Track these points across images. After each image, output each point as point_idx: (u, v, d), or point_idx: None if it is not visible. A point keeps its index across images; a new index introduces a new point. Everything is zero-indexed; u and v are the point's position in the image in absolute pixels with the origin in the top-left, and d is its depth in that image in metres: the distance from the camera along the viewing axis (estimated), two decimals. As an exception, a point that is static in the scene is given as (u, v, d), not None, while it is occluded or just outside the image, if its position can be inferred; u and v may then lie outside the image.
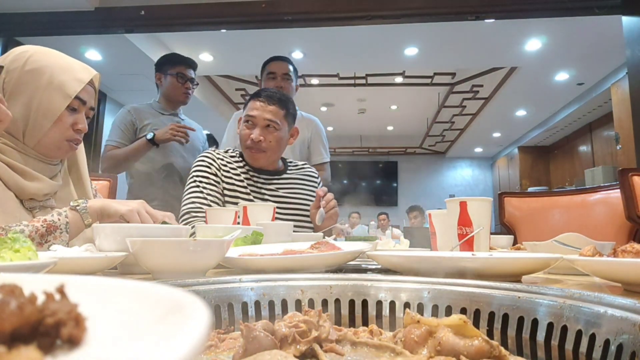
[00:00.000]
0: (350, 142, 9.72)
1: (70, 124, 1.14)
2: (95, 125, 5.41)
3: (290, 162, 1.90)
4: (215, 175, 1.71)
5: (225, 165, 1.74)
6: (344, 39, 4.55)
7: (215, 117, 6.58)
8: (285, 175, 1.82)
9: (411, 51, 4.93)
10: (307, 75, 6.24)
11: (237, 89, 6.75)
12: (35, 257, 0.59)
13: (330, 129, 8.89)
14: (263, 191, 1.74)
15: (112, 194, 1.84)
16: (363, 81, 6.53)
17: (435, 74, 6.18)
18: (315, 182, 1.90)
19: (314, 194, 1.85)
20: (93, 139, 5.34)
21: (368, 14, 3.46)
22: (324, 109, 7.77)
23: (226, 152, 1.80)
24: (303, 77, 6.28)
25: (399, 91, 6.95)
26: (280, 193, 1.76)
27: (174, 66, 2.56)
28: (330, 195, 1.65)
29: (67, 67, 1.13)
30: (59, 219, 1.01)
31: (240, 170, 1.74)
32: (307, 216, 1.79)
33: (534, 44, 4.70)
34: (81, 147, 1.28)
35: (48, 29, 3.68)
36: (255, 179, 1.74)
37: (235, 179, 1.72)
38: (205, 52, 5.05)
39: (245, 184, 1.72)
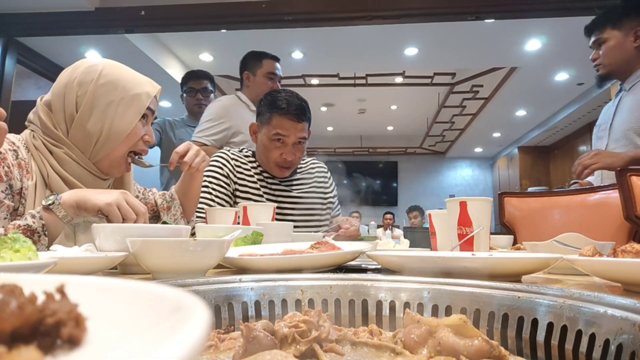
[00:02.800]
0: (350, 142, 9.71)
1: (141, 136, 1.16)
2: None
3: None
4: (227, 176, 1.70)
5: (239, 166, 1.74)
6: (344, 39, 4.54)
7: (215, 117, 6.57)
8: (297, 176, 1.82)
9: (411, 51, 4.93)
10: (307, 75, 6.23)
11: (237, 89, 6.73)
12: (36, 257, 0.59)
13: (330, 129, 8.88)
14: (277, 193, 1.74)
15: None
16: (363, 81, 6.53)
17: (435, 74, 6.18)
18: (326, 178, 1.90)
19: (326, 192, 1.86)
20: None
21: (368, 14, 3.46)
22: (324, 109, 7.77)
23: (241, 151, 1.81)
24: (303, 77, 6.28)
25: (399, 91, 6.95)
26: (293, 194, 1.77)
27: (186, 82, 2.85)
28: (351, 229, 1.64)
29: (137, 82, 1.15)
30: (34, 222, 0.95)
31: (254, 171, 1.75)
32: (322, 213, 1.80)
33: (534, 44, 4.70)
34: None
35: (48, 29, 3.68)
36: (269, 180, 1.75)
37: (248, 180, 1.72)
38: (205, 52, 5.05)
39: (258, 186, 1.72)
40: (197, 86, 2.79)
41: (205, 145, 2.27)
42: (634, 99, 1.96)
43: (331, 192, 1.90)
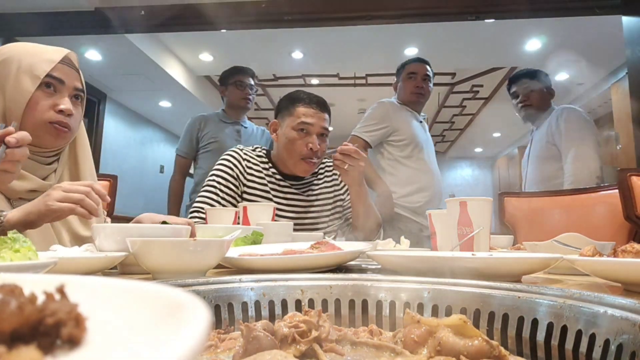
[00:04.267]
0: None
1: (50, 106, 1.08)
2: (95, 125, 5.41)
3: None
4: (237, 177, 1.67)
5: (250, 167, 1.71)
6: (344, 39, 4.54)
7: (215, 117, 6.57)
8: (307, 178, 1.79)
9: (411, 51, 4.93)
10: (307, 75, 6.23)
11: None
12: (35, 257, 0.59)
13: (330, 129, 8.88)
14: (288, 196, 1.71)
15: (112, 194, 1.83)
16: (363, 81, 6.52)
17: (435, 74, 6.17)
18: (336, 175, 1.88)
19: (336, 190, 1.85)
20: (93, 139, 5.32)
21: (368, 14, 3.46)
22: (324, 109, 7.76)
23: (254, 150, 1.78)
24: (303, 77, 6.28)
25: (399, 91, 6.93)
26: (303, 197, 1.74)
27: (233, 76, 2.82)
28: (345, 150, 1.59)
29: (36, 52, 1.10)
30: None
31: (265, 172, 1.71)
32: (334, 212, 1.79)
33: (534, 44, 4.70)
34: (83, 145, 1.24)
35: (48, 29, 3.67)
36: (282, 183, 1.72)
37: (258, 182, 1.69)
38: (205, 52, 5.04)
39: (268, 188, 1.69)
40: (246, 80, 2.80)
41: (363, 139, 2.44)
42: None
43: (341, 188, 1.87)
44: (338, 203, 1.84)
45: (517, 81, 2.74)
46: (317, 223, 1.75)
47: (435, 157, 2.65)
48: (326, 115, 1.70)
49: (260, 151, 1.78)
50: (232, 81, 2.80)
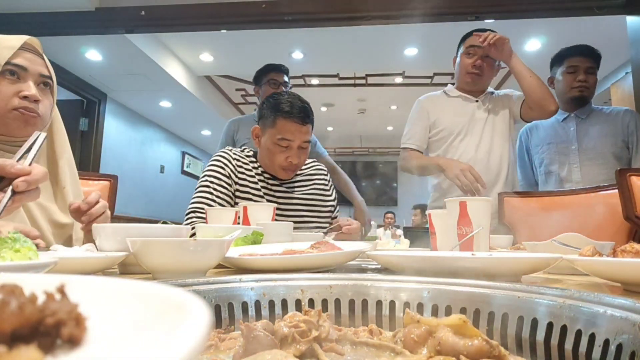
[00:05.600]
0: (350, 142, 9.70)
1: (14, 93, 1.07)
2: (95, 124, 5.41)
3: None
4: (229, 177, 1.70)
5: (240, 167, 1.73)
6: (344, 39, 4.54)
7: (215, 117, 6.58)
8: (298, 177, 1.82)
9: (411, 51, 4.93)
10: (307, 76, 6.24)
11: (237, 89, 6.74)
12: (36, 256, 0.59)
13: (330, 129, 8.89)
14: (278, 194, 1.74)
15: (112, 194, 1.83)
16: (363, 81, 6.53)
17: (435, 74, 6.17)
18: (326, 181, 1.90)
19: (326, 195, 1.86)
20: (94, 139, 5.33)
21: (368, 14, 3.46)
22: (324, 109, 7.77)
23: (242, 150, 1.80)
24: (303, 77, 6.28)
25: (399, 91, 6.94)
26: (294, 195, 1.77)
27: (266, 74, 2.73)
28: (353, 226, 1.66)
29: None
30: None
31: (255, 172, 1.74)
32: (322, 214, 1.80)
33: (534, 44, 4.70)
34: (59, 134, 1.22)
35: (48, 29, 3.67)
36: (270, 181, 1.74)
37: (249, 181, 1.71)
38: (205, 52, 5.04)
39: (259, 187, 1.72)
40: (279, 79, 2.71)
41: (411, 149, 2.29)
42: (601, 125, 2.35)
43: (331, 195, 1.90)
44: (330, 207, 1.88)
45: (581, 55, 2.41)
46: (309, 222, 1.76)
47: (491, 137, 2.23)
48: (308, 127, 1.65)
49: (248, 151, 1.81)
50: (266, 80, 2.72)
